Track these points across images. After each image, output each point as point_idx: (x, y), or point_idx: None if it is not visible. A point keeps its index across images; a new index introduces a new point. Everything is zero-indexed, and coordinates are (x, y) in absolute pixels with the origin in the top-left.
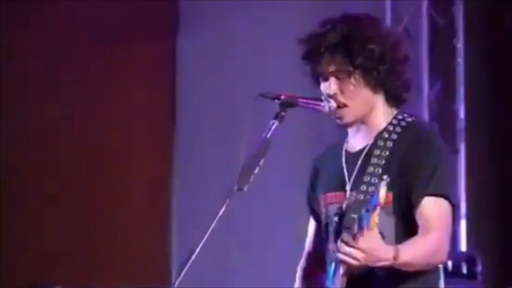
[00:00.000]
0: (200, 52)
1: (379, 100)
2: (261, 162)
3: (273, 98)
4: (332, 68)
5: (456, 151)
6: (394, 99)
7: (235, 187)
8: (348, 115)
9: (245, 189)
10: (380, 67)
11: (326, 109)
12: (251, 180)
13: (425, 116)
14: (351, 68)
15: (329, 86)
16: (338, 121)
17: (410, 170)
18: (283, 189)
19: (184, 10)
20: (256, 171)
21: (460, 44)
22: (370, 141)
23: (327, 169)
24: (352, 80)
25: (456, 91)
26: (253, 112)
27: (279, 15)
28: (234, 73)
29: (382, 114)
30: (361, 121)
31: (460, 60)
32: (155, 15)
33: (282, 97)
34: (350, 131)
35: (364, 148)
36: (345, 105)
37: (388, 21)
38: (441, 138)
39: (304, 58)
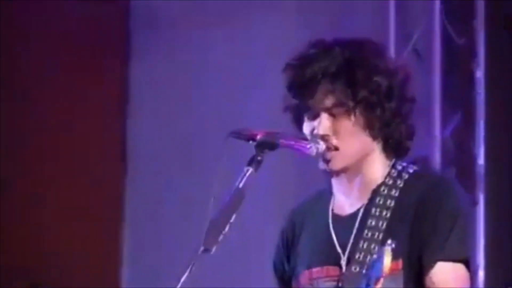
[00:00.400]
0: (155, 83)
1: (376, 148)
2: (233, 219)
3: (247, 139)
4: (328, 102)
5: (474, 203)
6: (395, 148)
7: (201, 248)
8: (338, 161)
9: (213, 250)
10: (386, 105)
11: (313, 152)
12: (219, 239)
13: (437, 159)
14: (352, 103)
15: (320, 124)
16: (324, 165)
17: (423, 228)
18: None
19: (138, 36)
20: (226, 229)
21: (480, 72)
22: (365, 200)
23: (310, 235)
24: (352, 118)
25: (475, 129)
26: (219, 154)
27: (254, 42)
28: (198, 107)
29: (378, 165)
30: (351, 171)
31: (480, 90)
32: (106, 42)
33: (259, 137)
34: (336, 185)
35: (358, 211)
36: (336, 148)
37: (392, 38)
38: (457, 184)
39: (291, 88)
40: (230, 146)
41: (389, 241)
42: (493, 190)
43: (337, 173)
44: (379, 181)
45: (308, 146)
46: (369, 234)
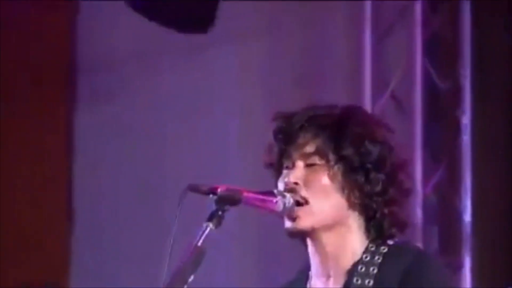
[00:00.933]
0: (103, 129)
1: (354, 222)
2: (191, 279)
3: (207, 193)
4: (307, 150)
5: (459, 267)
6: (376, 232)
7: None
8: (306, 217)
9: None
10: (371, 174)
11: (280, 207)
12: None
13: (418, 217)
14: (332, 157)
15: (293, 172)
16: (289, 224)
17: None
18: None
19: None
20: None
21: (467, 119)
22: (341, 280)
23: None
24: (329, 173)
25: (461, 182)
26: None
27: (215, 80)
28: (154, 153)
29: (355, 244)
30: (323, 242)
31: (466, 139)
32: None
33: (219, 190)
34: (314, 265)
35: None
36: (306, 202)
37: (367, 83)
38: (436, 260)
39: (275, 134)
40: (189, 199)
41: None
42: (480, 252)
43: (303, 233)
44: (356, 257)
45: (275, 200)
46: None
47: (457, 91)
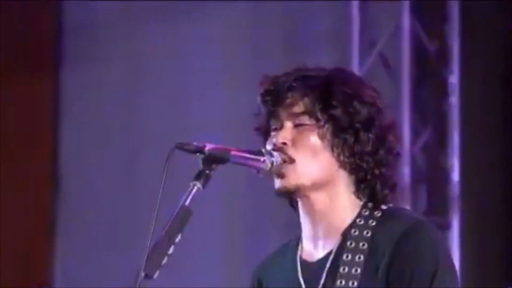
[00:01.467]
0: (89, 91)
1: (344, 181)
2: (178, 239)
3: (194, 151)
4: (295, 110)
5: (447, 226)
6: (368, 193)
7: (142, 274)
8: (292, 175)
9: (155, 276)
10: (361, 134)
11: (268, 165)
12: (163, 263)
13: (407, 176)
14: (321, 116)
15: (281, 133)
16: (277, 181)
17: (399, 281)
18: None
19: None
20: (170, 251)
21: (455, 79)
22: (335, 244)
23: (278, 283)
24: (317, 132)
25: (449, 142)
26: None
27: (199, 45)
28: (139, 116)
29: (346, 203)
30: (313, 202)
31: (454, 100)
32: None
33: (207, 149)
34: (303, 225)
35: (328, 255)
36: (291, 160)
37: (355, 44)
38: (432, 226)
39: (263, 96)
40: (175, 158)
41: None
42: (469, 211)
43: (289, 192)
44: (349, 221)
45: (262, 159)
46: (342, 282)
47: (445, 51)
